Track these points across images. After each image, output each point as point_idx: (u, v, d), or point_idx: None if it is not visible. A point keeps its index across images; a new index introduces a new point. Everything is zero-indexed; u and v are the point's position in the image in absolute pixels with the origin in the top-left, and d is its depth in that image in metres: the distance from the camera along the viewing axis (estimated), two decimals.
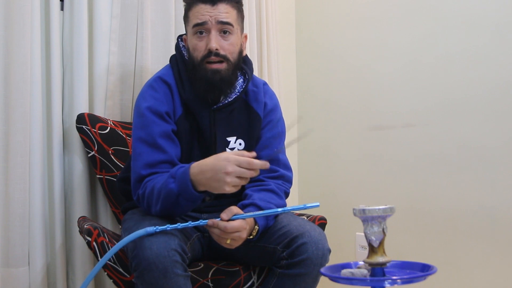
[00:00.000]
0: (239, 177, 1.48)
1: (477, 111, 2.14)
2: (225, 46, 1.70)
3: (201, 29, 1.69)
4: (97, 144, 1.97)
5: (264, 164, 1.48)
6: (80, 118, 1.97)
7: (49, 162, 1.98)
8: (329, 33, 2.70)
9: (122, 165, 1.98)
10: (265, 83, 1.87)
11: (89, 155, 1.97)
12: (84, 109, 2.03)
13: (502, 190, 2.07)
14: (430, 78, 2.28)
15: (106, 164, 1.97)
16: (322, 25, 2.74)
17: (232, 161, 1.46)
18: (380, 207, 1.16)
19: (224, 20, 1.69)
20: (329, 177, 2.69)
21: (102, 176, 1.97)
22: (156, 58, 2.23)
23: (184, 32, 1.82)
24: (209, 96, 1.71)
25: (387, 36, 2.44)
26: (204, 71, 1.68)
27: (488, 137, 2.10)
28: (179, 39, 1.83)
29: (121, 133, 2.05)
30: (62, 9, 2.05)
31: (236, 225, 1.49)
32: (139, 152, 1.66)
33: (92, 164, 1.98)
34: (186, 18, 1.76)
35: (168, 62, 1.82)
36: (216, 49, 1.67)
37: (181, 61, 1.77)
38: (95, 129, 1.97)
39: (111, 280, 1.61)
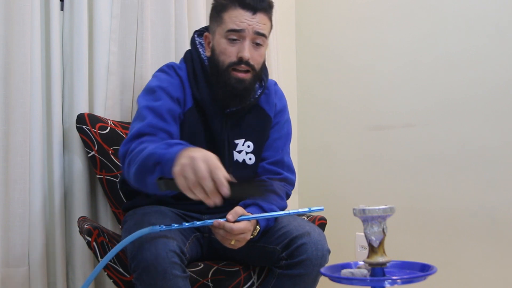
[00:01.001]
0: (197, 187, 1.29)
1: (477, 111, 2.13)
2: (255, 56, 1.68)
3: (236, 35, 1.65)
4: (97, 144, 1.97)
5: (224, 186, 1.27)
6: (80, 118, 1.97)
7: (49, 162, 1.98)
8: (329, 33, 2.70)
9: None
10: (275, 83, 1.87)
11: (89, 155, 1.97)
12: (84, 109, 2.03)
13: (502, 190, 2.07)
14: (430, 78, 2.28)
15: (106, 164, 1.97)
16: (322, 25, 2.73)
17: (206, 168, 1.27)
18: (380, 207, 1.16)
19: (261, 31, 1.67)
20: (329, 177, 2.68)
21: (102, 176, 1.97)
22: (156, 58, 2.23)
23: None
24: (228, 103, 1.69)
25: (387, 36, 2.44)
26: (228, 78, 1.66)
27: (488, 137, 2.10)
28: (195, 35, 1.79)
29: (121, 133, 2.05)
30: (62, 9, 2.05)
31: (242, 226, 1.49)
32: (145, 115, 1.60)
33: (92, 164, 1.98)
34: (218, 18, 1.69)
35: (167, 62, 1.81)
36: (248, 59, 1.65)
37: (197, 59, 1.73)
38: (95, 129, 1.97)
39: (111, 280, 1.61)
